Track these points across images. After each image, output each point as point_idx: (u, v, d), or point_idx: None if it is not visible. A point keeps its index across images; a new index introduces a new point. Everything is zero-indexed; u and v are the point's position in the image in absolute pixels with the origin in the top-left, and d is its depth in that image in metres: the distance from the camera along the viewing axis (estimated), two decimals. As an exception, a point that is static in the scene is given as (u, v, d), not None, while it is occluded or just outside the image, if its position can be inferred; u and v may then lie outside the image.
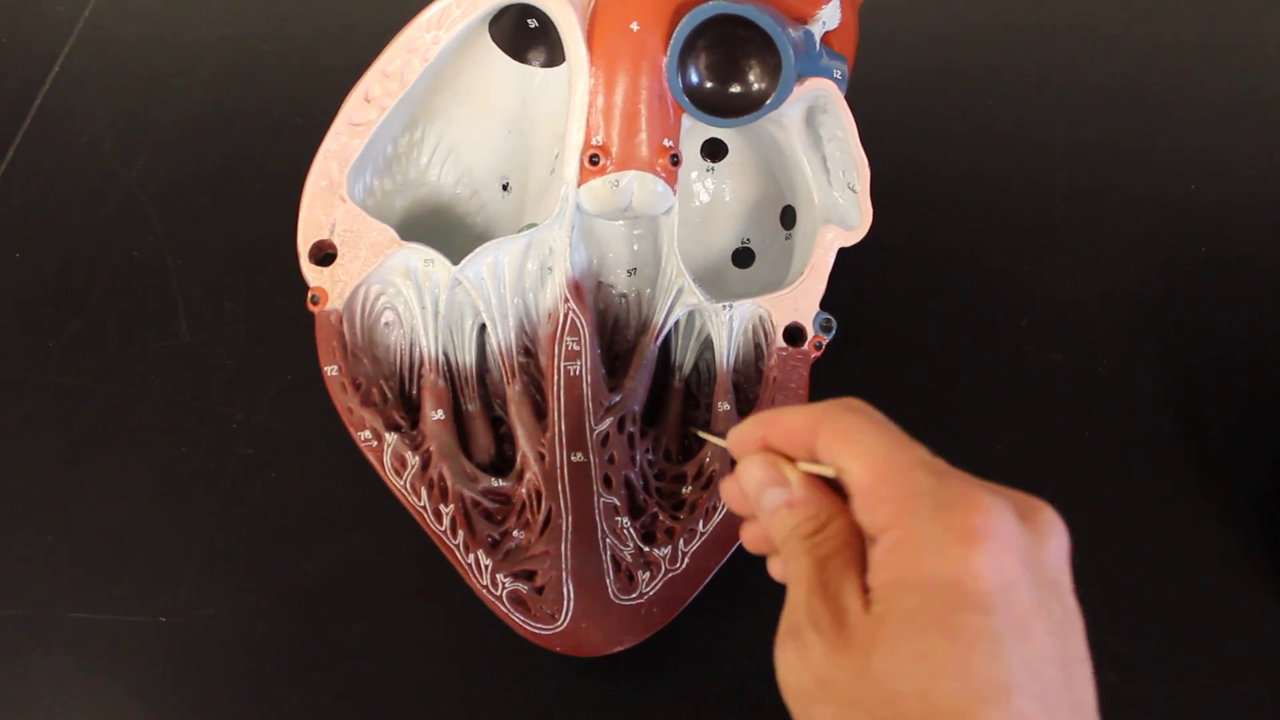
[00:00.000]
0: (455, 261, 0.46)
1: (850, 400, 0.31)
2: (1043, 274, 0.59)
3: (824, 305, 0.48)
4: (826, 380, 0.51)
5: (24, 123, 0.64)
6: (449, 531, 0.45)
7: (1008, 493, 0.29)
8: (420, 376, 0.47)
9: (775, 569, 0.35)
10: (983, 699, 0.25)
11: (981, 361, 0.56)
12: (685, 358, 0.50)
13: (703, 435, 0.43)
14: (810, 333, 0.48)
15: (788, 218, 0.52)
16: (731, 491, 0.35)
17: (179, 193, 0.61)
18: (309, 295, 0.46)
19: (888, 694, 0.26)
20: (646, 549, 0.46)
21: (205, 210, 0.60)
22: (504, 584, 0.45)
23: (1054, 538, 0.28)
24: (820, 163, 0.49)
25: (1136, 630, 0.48)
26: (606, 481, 0.46)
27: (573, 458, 0.46)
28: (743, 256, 0.53)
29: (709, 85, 0.45)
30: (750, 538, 0.36)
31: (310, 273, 0.46)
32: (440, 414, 0.46)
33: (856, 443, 0.30)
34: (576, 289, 0.47)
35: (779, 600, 0.48)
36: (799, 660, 0.28)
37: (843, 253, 0.48)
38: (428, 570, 0.48)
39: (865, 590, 0.28)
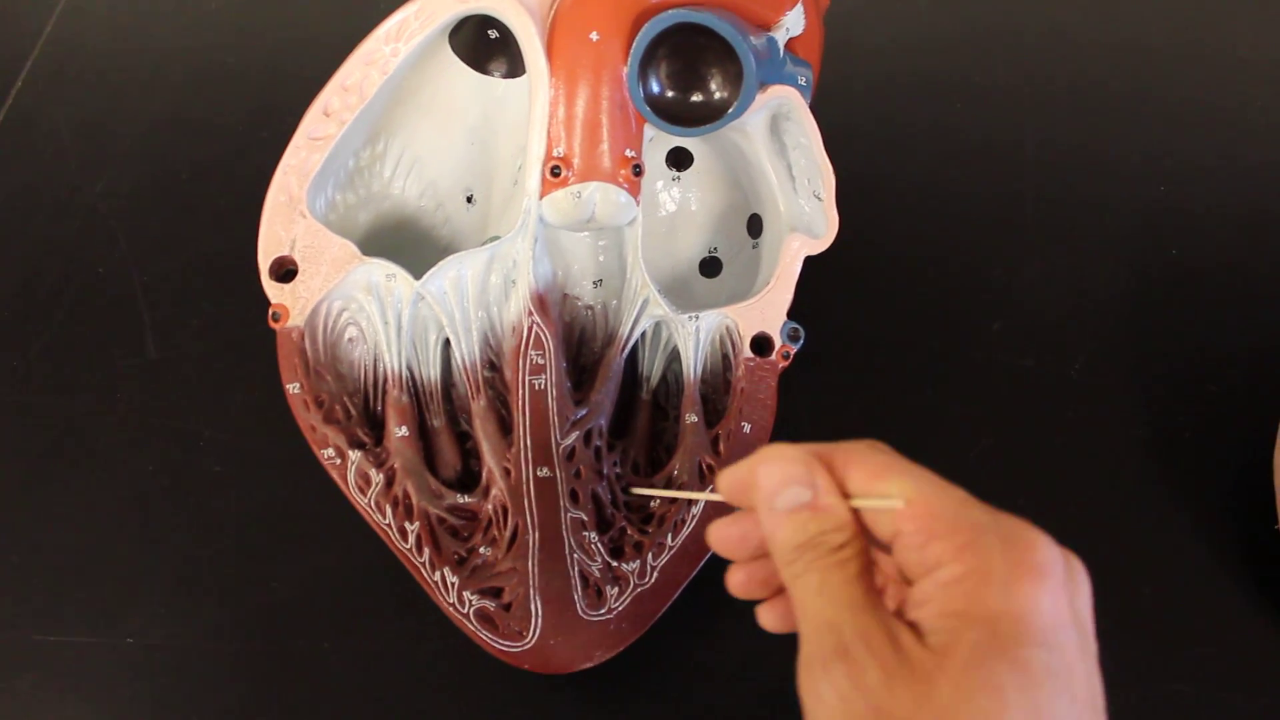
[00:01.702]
0: (422, 276, 0.46)
1: (876, 442, 0.31)
2: (1013, 279, 0.59)
3: (792, 314, 0.48)
4: (795, 390, 0.51)
5: (-12, 138, 0.64)
6: (414, 549, 0.45)
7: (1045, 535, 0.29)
8: (384, 393, 0.47)
9: (767, 618, 0.34)
10: None
11: (953, 368, 0.56)
12: (653, 369, 0.50)
13: (643, 492, 0.41)
14: (778, 342, 0.48)
15: (754, 226, 0.51)
16: (724, 534, 0.33)
17: (144, 207, 0.61)
18: (270, 312, 0.45)
19: None
20: (615, 564, 0.45)
21: (170, 225, 0.60)
22: (471, 601, 0.44)
23: (1084, 585, 0.28)
24: (785, 170, 0.48)
25: (1110, 637, 0.48)
26: (573, 496, 0.46)
27: (539, 473, 0.45)
28: (710, 266, 0.53)
29: (670, 94, 0.45)
30: (741, 580, 0.34)
31: (271, 289, 0.45)
32: (404, 430, 0.46)
33: (901, 481, 0.29)
34: (540, 302, 0.46)
35: (749, 614, 0.48)
36: (851, 686, 0.27)
37: (810, 261, 0.48)
38: (397, 587, 0.47)
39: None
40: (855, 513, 0.30)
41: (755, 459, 0.31)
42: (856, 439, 0.31)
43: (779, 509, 0.30)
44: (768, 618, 0.34)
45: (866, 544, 0.29)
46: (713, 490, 0.34)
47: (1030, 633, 0.26)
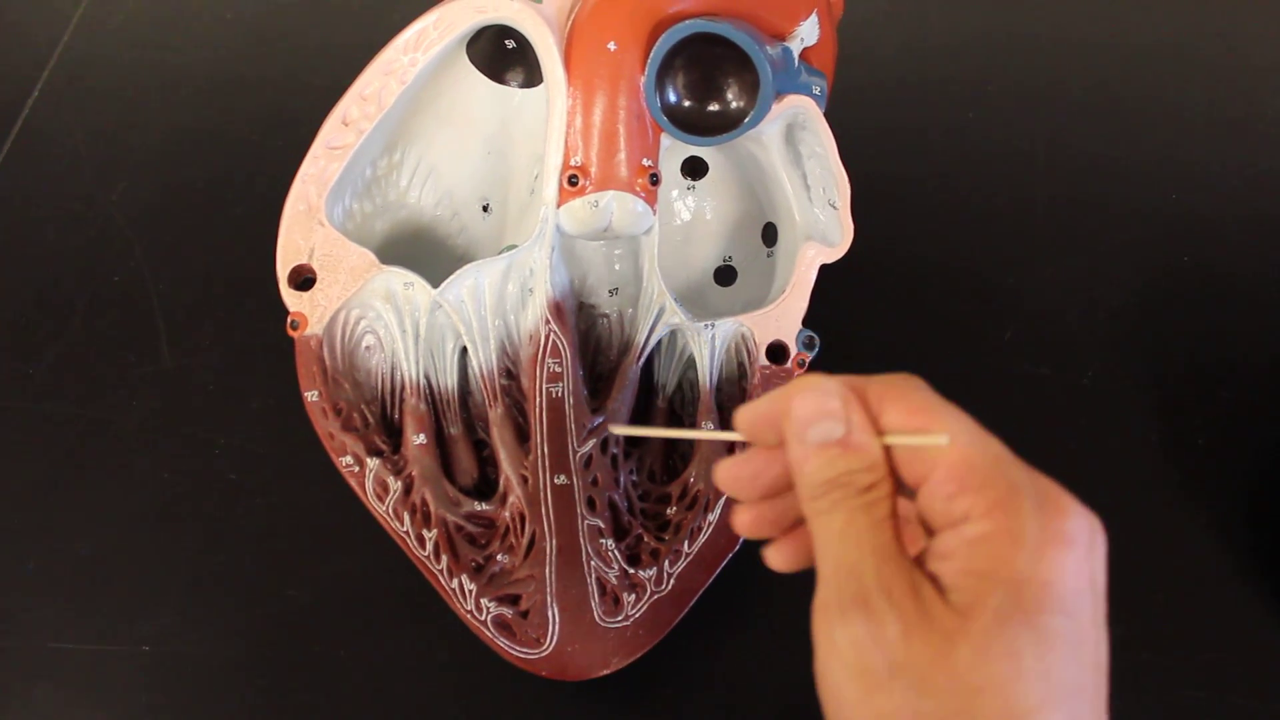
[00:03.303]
0: (437, 284, 0.46)
1: (914, 377, 0.30)
2: (1026, 286, 0.59)
3: (807, 322, 0.48)
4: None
5: (3, 147, 0.64)
6: (432, 556, 0.45)
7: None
8: (402, 401, 0.47)
9: (775, 558, 0.33)
10: (1055, 703, 0.26)
11: (966, 376, 0.55)
12: (668, 378, 0.50)
13: (634, 432, 0.39)
14: (793, 350, 0.48)
15: (769, 235, 0.52)
16: (734, 473, 0.32)
17: (159, 216, 0.61)
18: (288, 320, 0.45)
19: (965, 687, 0.25)
20: (631, 571, 0.46)
21: (186, 233, 0.60)
22: (488, 609, 0.45)
23: (1102, 547, 0.28)
24: (800, 180, 0.49)
25: (1125, 642, 0.48)
26: (590, 504, 0.46)
27: (556, 480, 0.46)
28: (725, 274, 0.53)
29: (687, 104, 0.45)
30: (748, 520, 0.33)
31: (289, 297, 0.46)
32: (422, 438, 0.46)
33: (941, 424, 0.28)
34: (558, 310, 0.46)
35: (766, 621, 0.48)
36: (869, 637, 0.26)
37: (825, 269, 0.48)
38: (413, 594, 0.48)
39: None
40: (886, 452, 0.29)
41: (786, 390, 0.30)
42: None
43: (809, 442, 0.29)
44: (775, 558, 0.33)
45: (895, 486, 0.29)
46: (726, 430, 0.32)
47: (1053, 600, 0.26)
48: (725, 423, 0.49)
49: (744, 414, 0.31)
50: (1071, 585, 0.26)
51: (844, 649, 0.27)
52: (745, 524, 0.33)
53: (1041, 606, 0.26)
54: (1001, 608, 0.26)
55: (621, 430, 0.37)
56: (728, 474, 0.32)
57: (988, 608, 0.26)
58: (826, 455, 0.29)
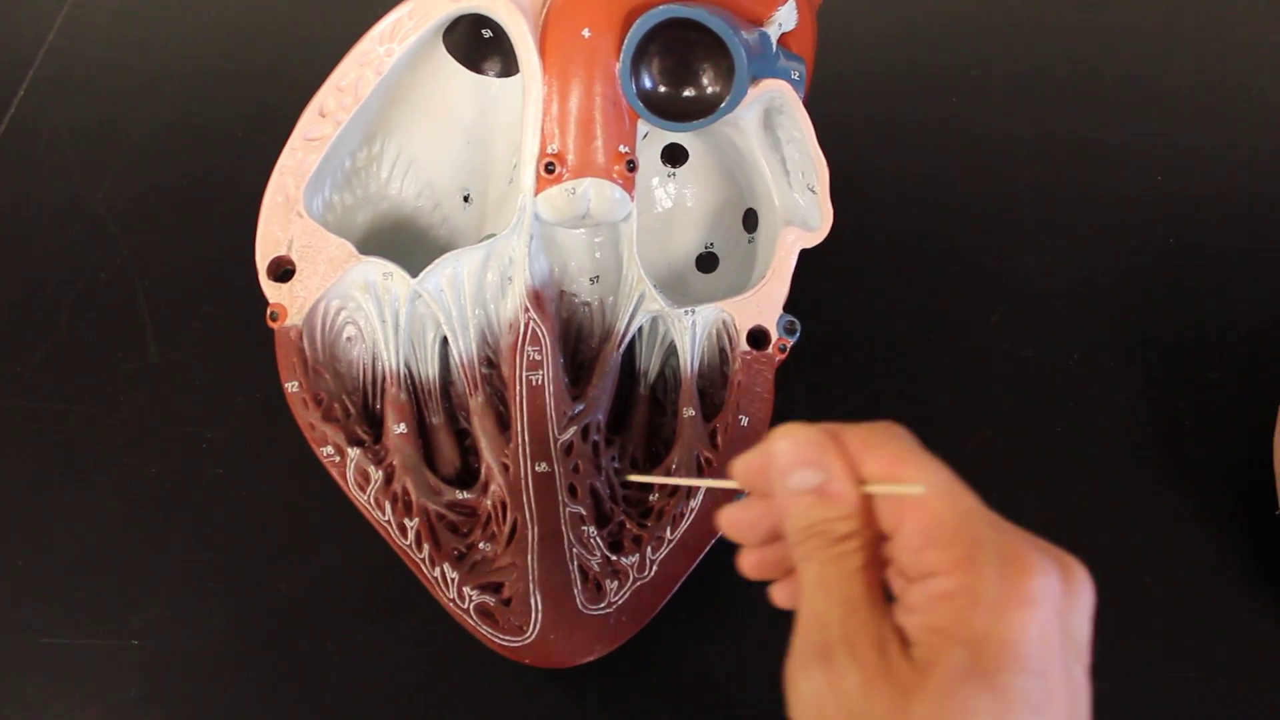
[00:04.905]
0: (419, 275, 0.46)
1: (894, 426, 0.30)
2: (1011, 270, 0.59)
3: (789, 307, 0.48)
4: (793, 383, 0.51)
5: (-9, 147, 0.64)
6: (414, 545, 0.45)
7: (1048, 549, 0.28)
8: (383, 391, 0.47)
9: (780, 596, 0.33)
10: None
11: (952, 359, 0.56)
12: (650, 364, 0.50)
13: (642, 479, 0.43)
14: (774, 335, 0.48)
15: (750, 221, 0.52)
16: (735, 519, 0.33)
17: (145, 213, 0.61)
18: (268, 312, 0.46)
19: None
20: (614, 558, 0.46)
21: (172, 230, 0.60)
22: (471, 597, 0.45)
23: (1084, 600, 0.28)
24: (779, 164, 0.49)
25: (1112, 625, 0.48)
26: (572, 491, 0.46)
27: (537, 468, 0.46)
28: (707, 261, 0.53)
29: (663, 90, 0.45)
30: (753, 563, 0.33)
31: (269, 289, 0.46)
32: (403, 428, 0.46)
33: (915, 476, 0.28)
34: (537, 298, 0.47)
35: (749, 606, 0.48)
36: (829, 688, 0.27)
37: (806, 254, 0.48)
38: (400, 584, 0.48)
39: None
40: (867, 500, 0.29)
41: (774, 438, 0.30)
42: (873, 420, 0.30)
43: (789, 489, 0.29)
44: (781, 595, 0.33)
45: (875, 535, 0.29)
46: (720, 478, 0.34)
47: (1014, 660, 0.26)
48: (707, 409, 0.49)
49: (739, 464, 0.32)
50: (1035, 646, 0.26)
51: (806, 699, 0.27)
52: (750, 566, 0.34)
53: (1001, 666, 0.25)
54: (959, 666, 0.26)
55: (635, 478, 0.43)
56: (730, 520, 0.33)
57: (945, 665, 0.26)
58: (804, 503, 0.29)
